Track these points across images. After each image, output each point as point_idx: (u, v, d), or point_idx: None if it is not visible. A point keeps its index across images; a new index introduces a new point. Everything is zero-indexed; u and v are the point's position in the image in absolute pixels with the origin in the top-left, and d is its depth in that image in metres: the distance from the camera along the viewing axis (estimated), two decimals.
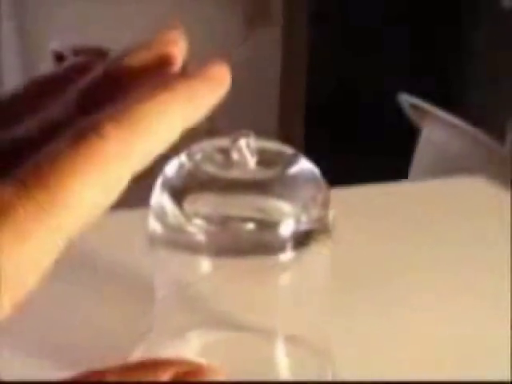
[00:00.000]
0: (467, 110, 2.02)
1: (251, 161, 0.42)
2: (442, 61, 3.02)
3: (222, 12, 2.68)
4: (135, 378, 0.24)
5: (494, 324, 0.57)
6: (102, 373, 0.24)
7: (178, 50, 0.30)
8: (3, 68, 2.59)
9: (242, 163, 0.42)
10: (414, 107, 1.54)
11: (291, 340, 0.46)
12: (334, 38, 3.00)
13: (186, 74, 0.29)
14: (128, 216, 0.53)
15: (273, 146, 0.44)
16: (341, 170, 2.23)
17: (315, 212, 0.43)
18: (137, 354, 0.45)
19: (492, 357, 0.53)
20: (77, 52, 2.73)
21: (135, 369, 0.24)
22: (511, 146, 1.66)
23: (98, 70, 0.30)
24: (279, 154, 0.43)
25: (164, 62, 0.30)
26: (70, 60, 0.33)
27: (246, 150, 0.42)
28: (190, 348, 0.46)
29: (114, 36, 2.67)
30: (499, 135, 1.61)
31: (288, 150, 0.44)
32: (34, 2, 2.58)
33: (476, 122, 1.48)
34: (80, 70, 0.31)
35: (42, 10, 2.61)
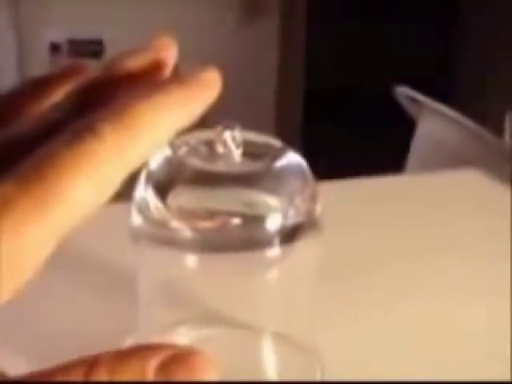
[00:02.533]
0: (464, 103, 2.01)
1: (237, 153, 0.41)
2: (440, 50, 3.02)
3: (218, 4, 2.67)
4: (125, 365, 0.24)
5: (494, 320, 0.56)
6: (92, 361, 0.24)
7: (170, 55, 0.32)
8: (0, 61, 2.57)
9: (228, 156, 0.41)
10: (411, 100, 1.53)
11: (279, 337, 0.45)
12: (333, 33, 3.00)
13: (178, 77, 0.30)
14: (111, 210, 0.52)
15: (259, 138, 0.43)
16: (339, 160, 2.22)
17: (303, 206, 0.42)
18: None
19: (492, 356, 0.52)
20: (72, 43, 2.72)
21: (125, 355, 0.24)
22: (509, 139, 1.66)
23: (93, 73, 0.31)
24: (266, 147, 0.42)
25: (157, 67, 0.31)
26: (66, 63, 0.34)
27: (231, 143, 0.41)
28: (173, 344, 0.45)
29: (109, 28, 2.66)
30: (497, 127, 1.60)
31: (275, 142, 0.43)
32: None
33: (473, 114, 1.47)
34: (75, 71, 0.32)
35: (39, 3, 2.59)
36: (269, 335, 0.45)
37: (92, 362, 0.23)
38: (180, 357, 0.24)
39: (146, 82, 0.30)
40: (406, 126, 1.61)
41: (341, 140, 2.81)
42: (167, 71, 0.31)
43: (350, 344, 0.51)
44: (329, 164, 1.99)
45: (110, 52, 2.69)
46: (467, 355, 0.52)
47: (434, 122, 1.44)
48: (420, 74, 2.87)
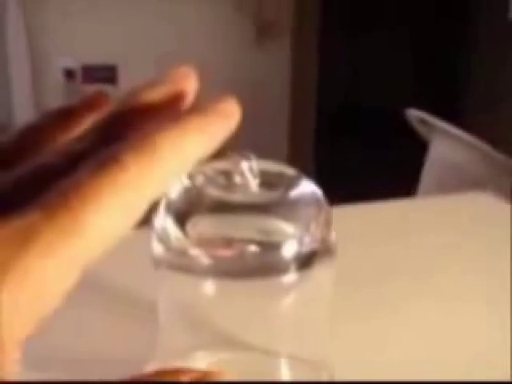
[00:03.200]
0: (476, 125, 2.01)
1: (253, 183, 0.42)
2: (450, 74, 3.02)
3: (233, 24, 2.69)
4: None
5: (494, 324, 0.57)
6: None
7: (190, 85, 0.32)
8: (13, 85, 2.60)
9: (245, 186, 0.42)
10: (422, 122, 1.54)
11: (294, 361, 0.46)
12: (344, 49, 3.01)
13: (198, 107, 0.30)
14: (132, 236, 0.53)
15: (274, 167, 0.44)
16: (352, 179, 2.22)
17: (317, 233, 0.43)
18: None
19: (492, 357, 0.53)
20: (86, 69, 2.75)
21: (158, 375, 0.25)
22: None
23: (115, 104, 0.31)
24: (281, 176, 0.44)
25: (177, 97, 0.31)
26: (83, 94, 0.34)
27: (248, 173, 0.42)
28: (195, 368, 0.46)
29: (122, 53, 2.69)
30: (508, 149, 1.60)
31: (290, 171, 0.44)
32: (43, 20, 2.60)
33: (484, 136, 1.48)
34: (97, 102, 0.32)
35: (52, 28, 2.63)
36: (285, 359, 0.46)
37: None
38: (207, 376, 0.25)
39: (166, 113, 0.31)
40: (420, 146, 1.62)
41: (354, 158, 2.82)
42: (188, 101, 0.32)
43: (365, 367, 0.52)
44: (342, 182, 2.00)
45: (123, 77, 2.72)
46: (468, 357, 0.53)
47: (446, 145, 1.45)
48: (434, 94, 2.88)
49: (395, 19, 3.17)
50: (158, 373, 0.25)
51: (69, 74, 2.70)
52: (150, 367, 0.45)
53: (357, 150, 2.98)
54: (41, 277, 0.23)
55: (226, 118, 0.30)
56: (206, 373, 0.26)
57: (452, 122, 1.51)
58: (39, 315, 0.23)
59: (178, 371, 0.25)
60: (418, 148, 1.62)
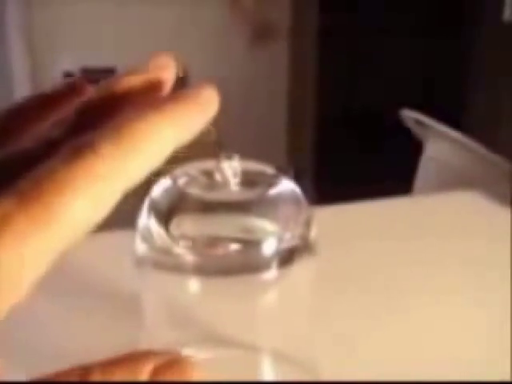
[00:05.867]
0: (471, 126, 2.02)
1: (234, 182, 0.43)
2: (443, 75, 3.03)
3: (229, 28, 2.70)
4: (119, 367, 0.25)
5: (493, 322, 0.57)
6: (84, 370, 0.25)
7: (169, 74, 0.32)
8: (14, 88, 2.62)
9: (225, 185, 0.43)
10: (418, 122, 1.55)
11: (278, 356, 0.47)
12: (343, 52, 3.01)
13: (175, 96, 0.30)
14: (116, 237, 0.54)
15: (255, 166, 0.45)
16: (350, 181, 2.23)
17: (297, 230, 0.44)
18: None
19: (492, 357, 0.54)
20: (86, 72, 2.76)
21: (117, 363, 0.25)
22: None
23: (92, 92, 0.31)
24: (261, 175, 0.45)
25: (155, 85, 0.31)
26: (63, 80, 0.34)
27: (229, 172, 0.43)
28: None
29: (122, 56, 2.70)
30: (503, 150, 1.61)
31: (270, 170, 0.45)
32: (43, 23, 2.61)
33: (479, 136, 1.48)
34: (76, 89, 0.32)
35: (52, 31, 2.64)
36: (269, 355, 0.47)
37: (88, 367, 0.25)
38: (171, 361, 0.26)
39: (144, 100, 0.30)
40: (418, 150, 1.62)
41: (352, 162, 2.82)
42: (166, 90, 0.32)
43: (349, 361, 0.53)
44: (340, 185, 2.01)
45: None
46: (468, 356, 0.54)
47: (441, 145, 1.46)
48: (432, 98, 2.89)
49: (396, 23, 3.17)
50: (126, 355, 0.26)
51: (68, 76, 2.71)
52: None
53: (357, 151, 2.98)
54: (13, 265, 0.23)
55: (204, 105, 0.29)
56: (170, 358, 0.26)
57: (451, 120, 1.52)
58: (10, 301, 0.23)
59: (145, 353, 0.26)
60: (415, 149, 1.62)
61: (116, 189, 0.25)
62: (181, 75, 0.33)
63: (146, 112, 0.27)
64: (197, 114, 0.29)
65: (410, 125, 1.59)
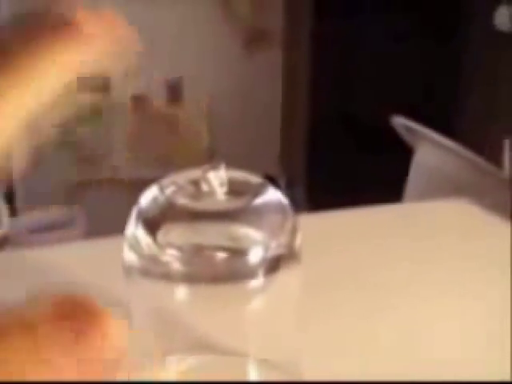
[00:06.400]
0: (462, 133, 2.03)
1: (220, 191, 0.44)
2: (435, 81, 3.04)
3: (222, 34, 2.71)
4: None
5: (493, 322, 0.58)
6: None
7: (96, 29, 0.36)
8: None
9: (212, 194, 0.44)
10: (408, 129, 1.56)
11: (264, 363, 0.48)
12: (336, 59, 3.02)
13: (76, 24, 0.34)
14: (104, 245, 0.54)
15: (242, 176, 0.46)
16: (343, 187, 2.23)
17: (283, 239, 0.45)
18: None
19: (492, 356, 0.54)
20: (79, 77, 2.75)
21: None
22: (509, 166, 1.67)
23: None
24: (248, 184, 0.45)
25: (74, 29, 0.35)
26: None
27: (216, 182, 0.44)
28: (168, 372, 0.48)
29: None
30: (494, 156, 1.62)
31: (256, 179, 0.46)
32: None
33: (471, 143, 1.49)
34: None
35: None
36: (255, 361, 0.48)
37: None
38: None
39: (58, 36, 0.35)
40: (409, 154, 1.63)
41: (346, 170, 2.84)
42: (83, 40, 0.36)
43: (335, 368, 0.54)
44: (333, 193, 2.02)
45: (116, 84, 2.73)
46: (468, 356, 0.55)
47: (430, 151, 1.47)
48: (421, 102, 2.90)
49: (390, 29, 3.19)
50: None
51: None
52: (121, 372, 0.47)
53: (349, 159, 2.99)
54: None
55: (104, 32, 0.34)
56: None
57: (445, 123, 1.53)
58: None
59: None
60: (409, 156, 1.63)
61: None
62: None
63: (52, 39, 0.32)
64: (98, 37, 0.35)
65: (401, 131, 1.60)
